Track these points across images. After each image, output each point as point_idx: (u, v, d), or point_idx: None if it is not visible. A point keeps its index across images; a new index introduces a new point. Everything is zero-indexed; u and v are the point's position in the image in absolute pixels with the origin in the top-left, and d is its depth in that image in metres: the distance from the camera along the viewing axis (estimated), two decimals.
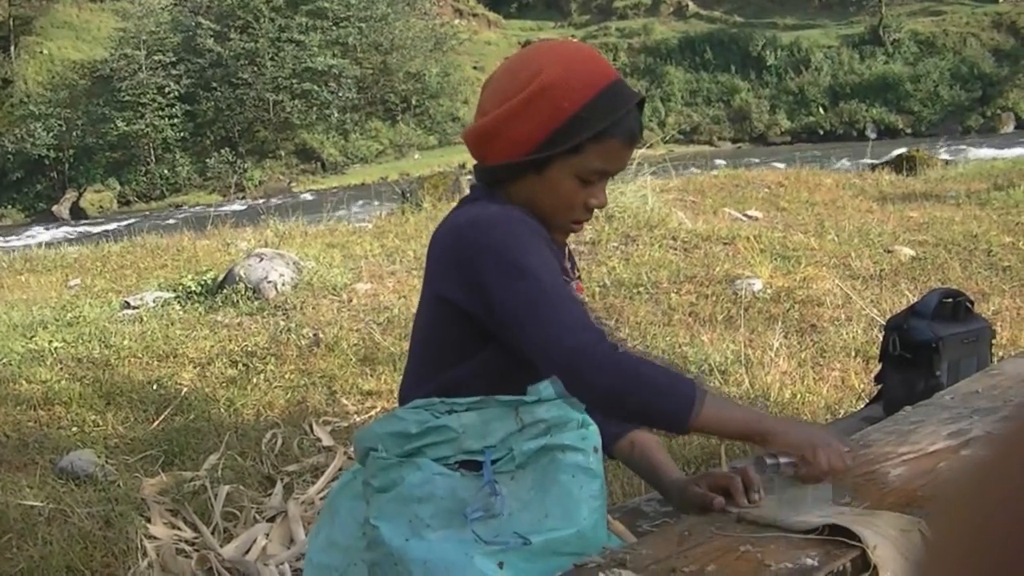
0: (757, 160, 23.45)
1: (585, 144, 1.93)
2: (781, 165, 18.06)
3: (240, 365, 6.71)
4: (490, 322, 1.91)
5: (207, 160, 43.95)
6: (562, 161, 1.95)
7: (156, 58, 44.30)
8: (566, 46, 2.09)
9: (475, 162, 2.09)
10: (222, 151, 44.00)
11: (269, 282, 8.19)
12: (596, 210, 2.07)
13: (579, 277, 2.24)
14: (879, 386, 3.97)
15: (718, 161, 18.17)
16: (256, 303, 7.98)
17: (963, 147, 30.74)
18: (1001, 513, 0.51)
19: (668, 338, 6.82)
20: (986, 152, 26.44)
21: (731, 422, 1.90)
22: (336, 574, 2.06)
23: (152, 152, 44.00)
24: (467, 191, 2.20)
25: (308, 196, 36.13)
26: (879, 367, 3.97)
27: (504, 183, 2.02)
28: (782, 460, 1.88)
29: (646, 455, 2.26)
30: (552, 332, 1.83)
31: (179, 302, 8.30)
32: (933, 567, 0.55)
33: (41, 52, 48.61)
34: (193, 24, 45.66)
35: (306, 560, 2.21)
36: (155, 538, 4.28)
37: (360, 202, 21.15)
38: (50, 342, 7.25)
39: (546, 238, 1.97)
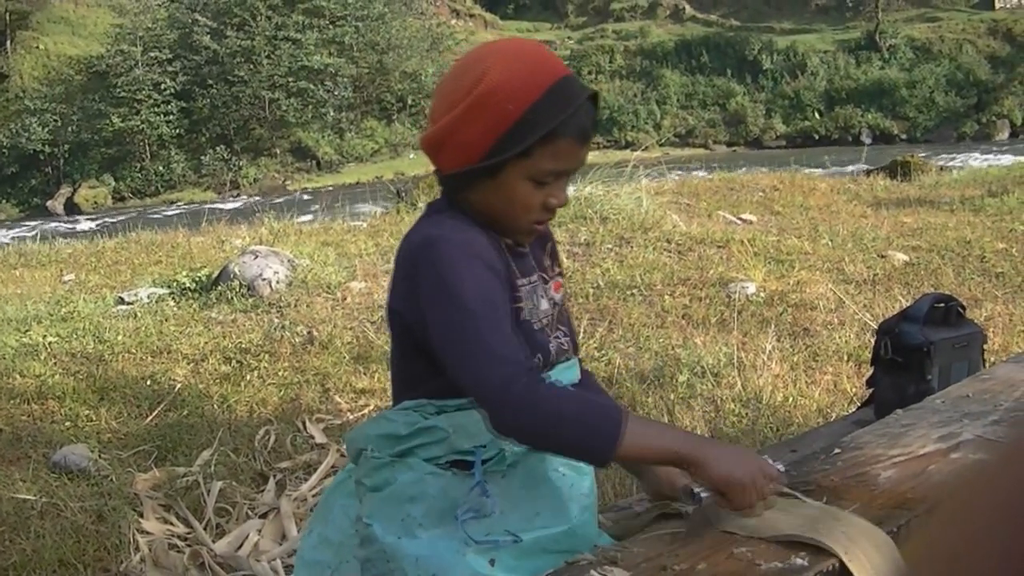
0: (744, 164, 23.37)
1: (534, 146, 1.89)
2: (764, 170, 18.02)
3: (234, 362, 6.71)
4: (430, 344, 1.91)
5: (202, 157, 43.92)
6: (513, 165, 1.91)
7: (152, 54, 44.28)
8: (511, 45, 2.04)
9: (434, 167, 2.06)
10: (217, 148, 43.99)
11: (263, 279, 8.19)
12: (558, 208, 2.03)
13: (560, 274, 2.22)
14: (871, 390, 3.98)
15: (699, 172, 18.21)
16: (250, 300, 7.98)
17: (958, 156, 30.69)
18: (998, 522, 0.52)
19: (661, 340, 6.83)
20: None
21: (654, 451, 1.84)
22: (328, 570, 2.06)
23: (147, 148, 43.97)
24: None
25: (305, 196, 36.09)
26: (871, 371, 3.99)
27: (462, 189, 1.99)
28: (703, 494, 1.86)
29: None
30: (472, 367, 1.81)
31: (173, 298, 8.30)
32: (926, 573, 0.56)
33: (37, 47, 48.58)
34: (190, 21, 45.65)
35: (297, 557, 2.21)
36: (148, 533, 4.29)
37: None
38: (44, 337, 7.24)
39: (489, 260, 1.93)
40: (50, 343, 7.13)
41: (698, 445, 1.88)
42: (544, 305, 2.08)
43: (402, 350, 2.06)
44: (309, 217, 14.41)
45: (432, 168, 2.07)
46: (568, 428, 1.78)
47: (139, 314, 7.85)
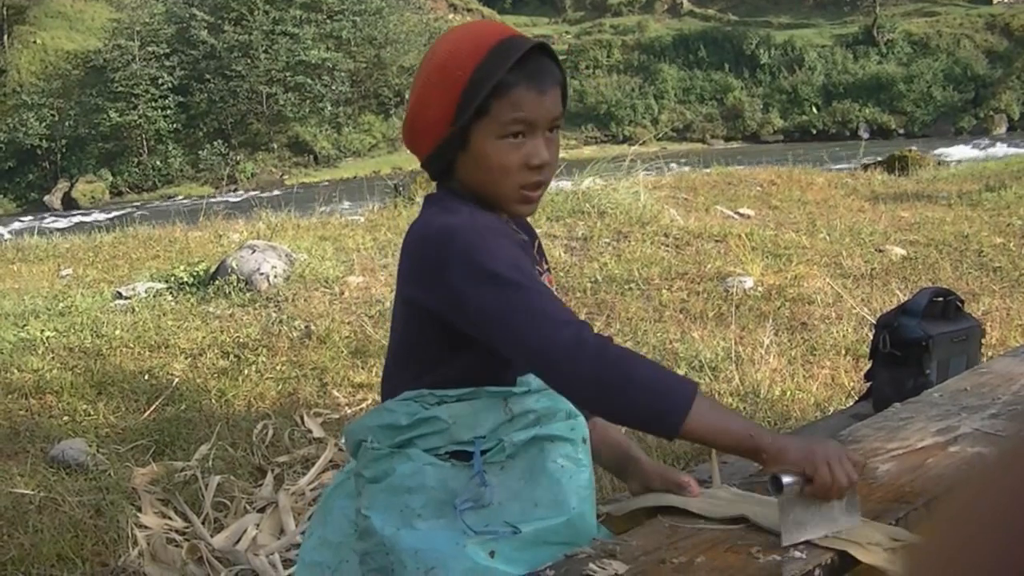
0: (741, 158, 23.36)
1: (489, 103, 1.90)
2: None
3: (232, 356, 6.71)
4: (471, 330, 1.88)
5: (200, 152, 43.96)
6: (477, 128, 1.92)
7: (150, 49, 44.30)
8: (461, 26, 2.08)
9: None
10: (215, 143, 44.01)
11: (261, 274, 8.19)
12: (546, 170, 1.99)
13: (549, 269, 2.22)
14: (869, 384, 3.99)
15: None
16: (248, 295, 7.97)
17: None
18: (998, 526, 0.52)
19: (659, 334, 6.84)
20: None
21: (724, 433, 1.79)
22: (328, 571, 2.06)
23: (145, 143, 43.98)
24: None
25: (300, 189, 36.07)
26: (869, 365, 3.99)
27: (447, 172, 2.02)
28: (787, 480, 1.77)
29: (610, 440, 2.25)
30: (531, 330, 1.78)
31: (171, 293, 8.29)
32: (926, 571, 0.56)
33: (34, 42, 48.54)
34: (187, 15, 45.65)
35: (298, 560, 2.21)
36: (146, 527, 4.30)
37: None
38: (42, 331, 7.24)
39: (511, 236, 1.96)
40: (48, 338, 7.13)
41: (770, 433, 1.85)
42: None
43: (415, 338, 2.04)
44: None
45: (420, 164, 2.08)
46: (640, 388, 1.75)
47: (137, 309, 7.85)
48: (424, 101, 1.96)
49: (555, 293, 1.93)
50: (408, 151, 2.09)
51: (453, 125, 1.93)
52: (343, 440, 4.14)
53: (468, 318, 1.88)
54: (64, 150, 43.85)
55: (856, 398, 4.59)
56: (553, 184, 1.99)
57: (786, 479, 1.77)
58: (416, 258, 1.98)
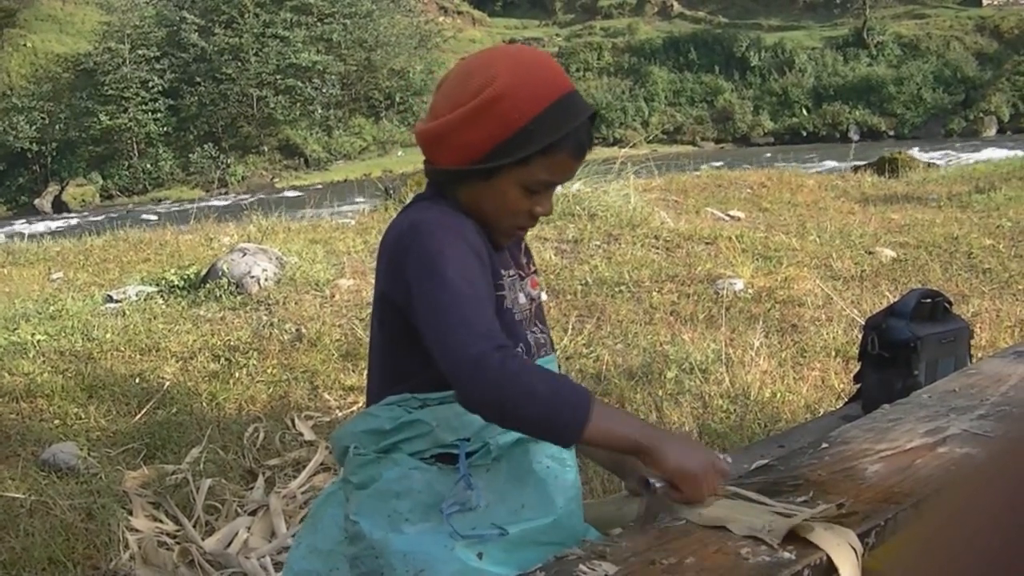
0: (731, 160, 23.36)
1: (533, 157, 1.94)
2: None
3: (222, 359, 6.70)
4: (414, 323, 1.92)
5: (190, 155, 43.90)
6: (509, 171, 1.95)
7: (140, 52, 44.25)
8: (522, 53, 2.07)
9: (425, 159, 2.08)
10: (205, 146, 43.97)
11: (252, 277, 8.18)
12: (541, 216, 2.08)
13: (535, 272, 2.25)
14: (858, 385, 4.00)
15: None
16: (239, 298, 7.96)
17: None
18: (991, 521, 0.53)
19: (649, 336, 6.84)
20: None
21: (617, 437, 1.87)
22: None
23: (135, 146, 43.91)
24: None
25: (291, 192, 35.99)
26: (858, 366, 4.00)
27: (453, 185, 2.03)
28: (658, 484, 1.90)
29: None
30: (448, 338, 1.82)
31: (162, 296, 8.28)
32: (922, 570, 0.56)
33: (25, 45, 48.46)
34: (177, 19, 45.60)
35: (285, 568, 2.22)
36: (137, 531, 4.29)
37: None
38: (32, 335, 7.23)
39: (475, 245, 1.96)
40: (39, 341, 7.12)
41: (655, 435, 1.92)
42: (522, 299, 2.12)
43: (392, 339, 2.07)
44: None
45: (423, 160, 2.09)
46: (538, 405, 1.79)
47: (127, 312, 7.83)
48: (465, 123, 1.95)
49: (488, 306, 1.94)
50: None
51: (487, 160, 1.95)
52: (331, 445, 4.15)
53: (411, 311, 1.92)
54: (54, 153, 43.76)
55: (846, 400, 4.60)
56: None
57: (658, 483, 1.90)
58: (387, 252, 2.02)
